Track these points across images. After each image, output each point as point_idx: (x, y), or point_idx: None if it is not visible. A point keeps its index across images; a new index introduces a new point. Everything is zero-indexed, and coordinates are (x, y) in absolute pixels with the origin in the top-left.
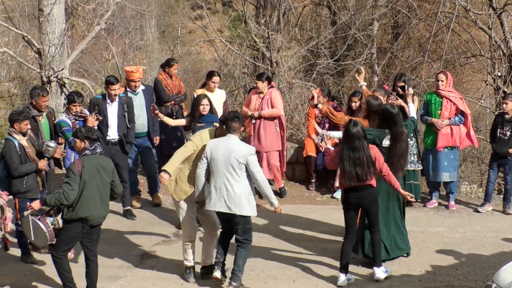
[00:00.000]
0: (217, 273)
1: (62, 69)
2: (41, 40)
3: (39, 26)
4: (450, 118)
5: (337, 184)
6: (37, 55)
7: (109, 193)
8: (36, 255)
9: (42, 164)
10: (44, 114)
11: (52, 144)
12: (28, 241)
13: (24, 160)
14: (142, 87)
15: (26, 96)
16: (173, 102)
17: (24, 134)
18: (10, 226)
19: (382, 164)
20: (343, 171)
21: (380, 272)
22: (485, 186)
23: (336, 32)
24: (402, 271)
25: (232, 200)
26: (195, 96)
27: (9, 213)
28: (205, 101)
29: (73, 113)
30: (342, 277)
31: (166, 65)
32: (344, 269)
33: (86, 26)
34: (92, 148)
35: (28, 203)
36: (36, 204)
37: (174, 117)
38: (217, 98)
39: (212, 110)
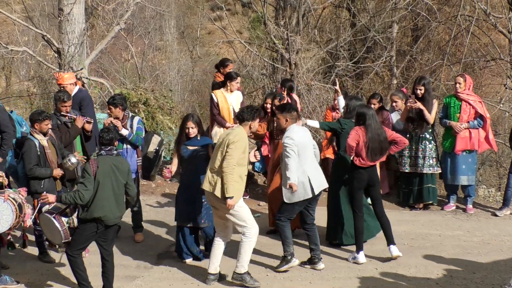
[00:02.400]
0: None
1: (81, 69)
2: (61, 39)
3: (58, 26)
4: (468, 122)
5: None
6: (56, 55)
7: (124, 194)
8: (53, 254)
9: (57, 172)
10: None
11: (73, 160)
12: (45, 238)
13: (43, 160)
14: (74, 92)
15: (45, 95)
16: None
17: (44, 134)
18: (29, 222)
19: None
20: (368, 149)
21: (396, 250)
22: (503, 190)
23: (356, 34)
24: (419, 274)
25: (323, 175)
26: (213, 96)
27: (28, 209)
28: (190, 124)
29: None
30: (362, 254)
31: (221, 65)
32: (361, 247)
33: (105, 26)
34: (108, 149)
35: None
36: (52, 197)
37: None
38: (235, 99)
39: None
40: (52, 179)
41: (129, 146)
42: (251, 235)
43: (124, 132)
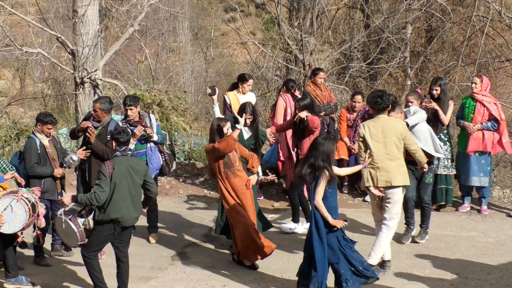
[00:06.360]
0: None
1: (96, 70)
2: (75, 41)
3: (73, 27)
4: (482, 123)
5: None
6: (70, 56)
7: (140, 195)
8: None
9: (58, 172)
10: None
11: (75, 157)
12: (60, 240)
13: (44, 159)
14: None
15: (59, 97)
16: (324, 112)
17: (47, 135)
18: (43, 221)
19: None
20: None
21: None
22: None
23: (369, 35)
24: (434, 274)
25: None
26: (226, 98)
27: (41, 209)
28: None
29: (127, 118)
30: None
31: (312, 74)
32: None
33: (119, 28)
34: (122, 149)
35: (59, 197)
36: (67, 199)
37: (326, 129)
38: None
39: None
40: (53, 179)
41: (152, 144)
42: (393, 226)
43: (156, 137)
